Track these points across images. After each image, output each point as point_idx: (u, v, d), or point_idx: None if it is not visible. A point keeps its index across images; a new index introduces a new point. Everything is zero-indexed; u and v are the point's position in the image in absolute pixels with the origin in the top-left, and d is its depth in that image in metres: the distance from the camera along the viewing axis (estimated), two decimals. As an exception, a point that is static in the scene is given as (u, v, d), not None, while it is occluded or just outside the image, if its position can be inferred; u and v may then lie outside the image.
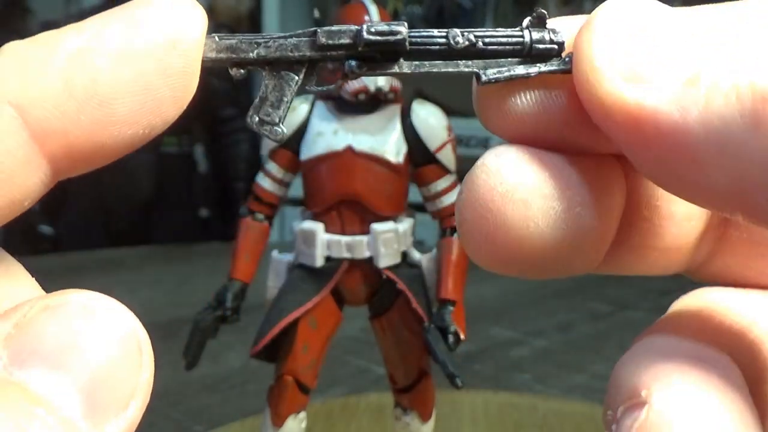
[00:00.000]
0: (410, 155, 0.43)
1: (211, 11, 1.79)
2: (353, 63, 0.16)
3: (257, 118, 0.16)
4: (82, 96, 0.14)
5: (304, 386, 0.44)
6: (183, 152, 1.54)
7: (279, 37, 0.16)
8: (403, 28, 0.15)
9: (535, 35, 0.15)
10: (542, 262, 0.16)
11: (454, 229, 0.44)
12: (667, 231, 0.17)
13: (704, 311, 0.17)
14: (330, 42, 0.16)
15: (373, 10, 0.43)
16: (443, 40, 0.15)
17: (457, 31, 0.16)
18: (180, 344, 0.44)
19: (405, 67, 0.16)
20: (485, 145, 1.50)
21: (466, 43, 0.15)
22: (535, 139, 0.16)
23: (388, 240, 0.43)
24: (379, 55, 0.16)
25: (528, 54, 0.15)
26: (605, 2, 0.15)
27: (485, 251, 0.16)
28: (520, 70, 0.15)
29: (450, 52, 0.16)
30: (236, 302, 0.44)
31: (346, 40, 0.16)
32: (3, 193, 0.13)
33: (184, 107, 0.15)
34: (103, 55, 0.14)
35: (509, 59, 0.16)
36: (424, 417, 0.47)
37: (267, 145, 0.45)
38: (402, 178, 0.44)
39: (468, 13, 1.56)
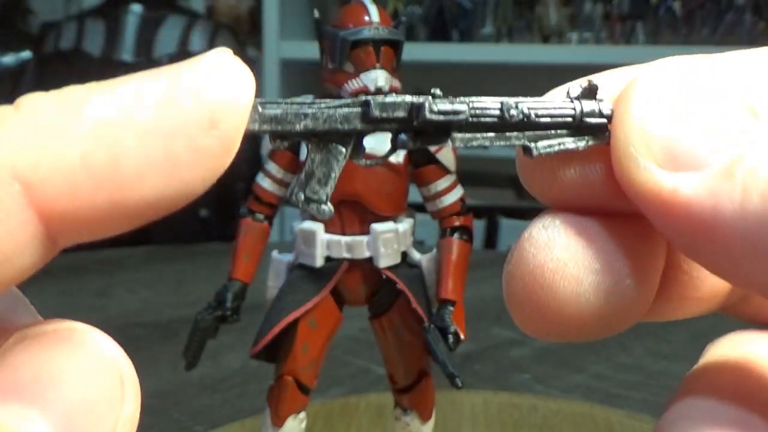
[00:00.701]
0: (410, 155, 0.43)
1: (211, 11, 1.79)
2: (405, 137, 0.15)
3: (303, 196, 0.15)
4: (101, 175, 0.12)
5: (304, 386, 0.44)
6: (183, 152, 1.54)
7: (327, 107, 0.15)
8: (465, 107, 0.15)
9: (586, 107, 0.15)
10: (591, 329, 0.16)
11: (454, 230, 0.44)
12: (705, 281, 0.17)
13: (744, 365, 0.16)
14: (384, 116, 0.15)
15: (373, 10, 0.43)
16: (497, 112, 0.15)
17: (512, 102, 0.15)
18: (180, 344, 0.44)
19: (458, 141, 0.15)
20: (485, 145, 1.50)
21: (520, 116, 0.15)
22: (580, 205, 0.16)
23: (388, 240, 0.43)
24: (432, 128, 0.15)
25: (578, 126, 0.15)
26: (646, 69, 0.15)
27: (535, 323, 0.16)
28: (570, 143, 0.15)
29: (503, 125, 0.15)
30: (236, 302, 0.44)
31: (401, 114, 0.15)
32: (2, 272, 0.12)
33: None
34: (132, 132, 0.12)
35: (558, 131, 0.15)
36: (424, 417, 0.47)
37: (267, 145, 0.45)
38: (402, 178, 0.44)
39: (468, 13, 1.56)
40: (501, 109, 0.15)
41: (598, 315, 0.15)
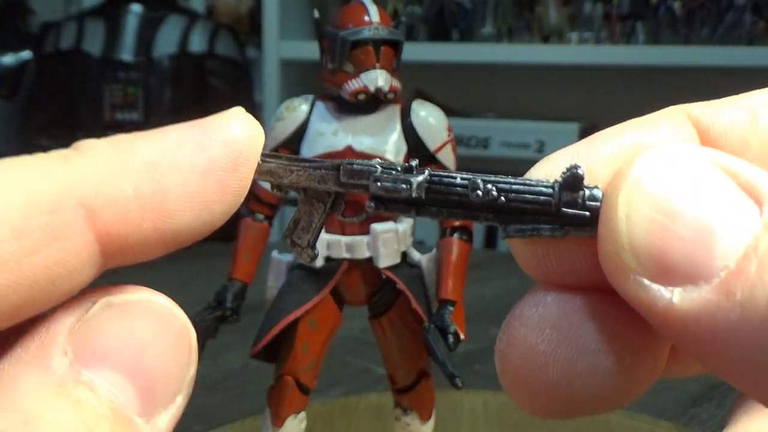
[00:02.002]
0: (410, 155, 0.43)
1: (211, 11, 1.79)
2: (371, 204, 0.15)
3: (290, 240, 0.17)
4: (150, 206, 0.14)
5: (304, 386, 0.44)
6: (183, 152, 1.54)
7: (309, 166, 0.16)
8: (414, 180, 0.15)
9: (566, 196, 0.14)
10: (592, 408, 0.15)
11: (454, 229, 0.44)
12: None
13: None
14: (350, 181, 0.16)
15: (373, 10, 0.43)
16: (463, 190, 0.14)
17: (480, 181, 0.14)
18: (180, 344, 0.44)
19: (423, 213, 0.15)
20: (485, 145, 1.50)
21: (487, 197, 0.14)
22: (573, 280, 0.15)
23: (388, 240, 0.43)
24: (394, 199, 0.15)
25: (556, 216, 0.14)
26: (637, 159, 0.14)
27: (529, 404, 0.15)
28: (546, 231, 0.14)
29: (469, 203, 0.14)
30: (236, 302, 0.44)
31: (364, 182, 0.16)
32: (60, 286, 0.14)
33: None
34: (174, 170, 0.14)
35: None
36: (424, 417, 0.47)
37: (267, 145, 0.45)
38: (402, 178, 0.43)
39: (468, 13, 1.56)
40: (466, 188, 0.14)
41: (597, 395, 0.14)
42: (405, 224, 0.44)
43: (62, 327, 0.14)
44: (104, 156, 0.14)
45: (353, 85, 0.42)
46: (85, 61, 1.49)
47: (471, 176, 0.15)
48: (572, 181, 0.14)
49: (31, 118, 1.55)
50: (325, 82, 0.44)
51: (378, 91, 0.42)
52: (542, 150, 1.44)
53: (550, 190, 0.14)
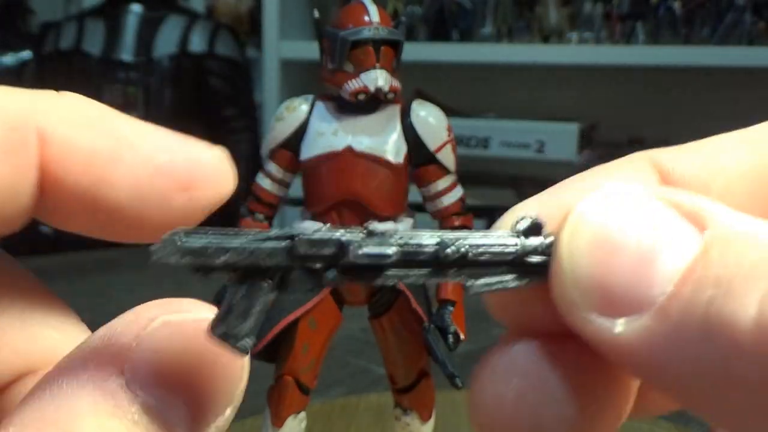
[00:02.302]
0: (410, 155, 0.43)
1: (211, 11, 1.79)
2: (333, 274, 0.14)
3: (220, 330, 0.14)
4: (96, 164, 0.14)
5: (304, 386, 0.44)
6: (183, 152, 1.54)
7: (254, 240, 0.14)
8: (391, 250, 0.14)
9: (529, 244, 0.14)
10: None
11: (454, 230, 0.44)
12: None
13: None
14: (311, 253, 0.14)
15: (373, 10, 0.43)
16: (432, 250, 0.14)
17: (449, 240, 0.14)
18: (180, 344, 0.44)
19: (390, 279, 0.15)
20: (485, 145, 1.50)
21: (457, 255, 0.14)
22: (539, 327, 0.15)
23: (388, 240, 0.43)
24: (361, 268, 0.14)
25: (520, 264, 0.14)
26: (580, 203, 0.14)
27: None
28: (511, 281, 0.15)
29: (438, 263, 0.14)
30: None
31: (328, 252, 0.14)
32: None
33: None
34: (134, 150, 0.15)
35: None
36: (424, 417, 0.47)
37: (267, 145, 0.45)
38: (402, 178, 0.44)
39: (468, 13, 1.56)
40: (437, 248, 0.14)
41: None
42: (405, 225, 0.44)
43: (120, 345, 0.14)
44: (82, 107, 0.15)
45: (353, 85, 0.42)
46: (85, 61, 1.49)
47: (439, 234, 0.15)
48: (533, 230, 0.14)
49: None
50: (325, 82, 0.44)
51: (378, 91, 0.42)
52: (542, 150, 1.44)
53: (514, 242, 0.14)
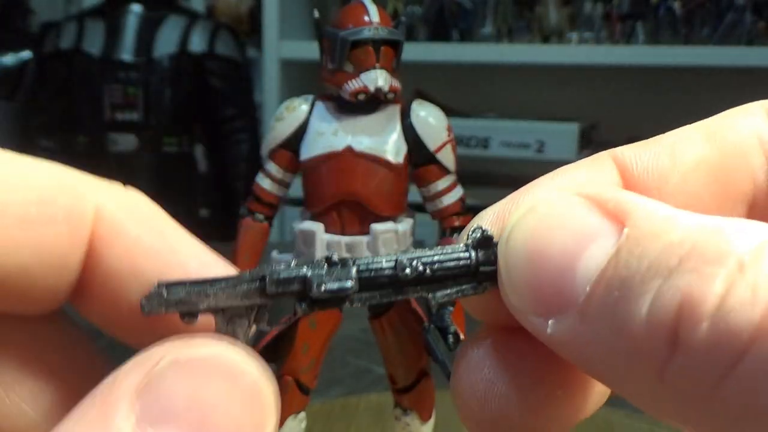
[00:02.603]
0: (410, 155, 0.43)
1: (211, 11, 1.79)
2: (302, 306, 0.16)
3: None
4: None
5: (303, 386, 0.44)
6: (183, 152, 1.54)
7: (227, 286, 0.15)
8: (350, 283, 0.15)
9: (482, 255, 0.15)
10: None
11: (454, 230, 0.44)
12: None
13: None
14: (279, 291, 0.16)
15: (373, 10, 0.43)
16: (391, 272, 0.15)
17: (406, 260, 0.15)
18: (180, 344, 0.44)
19: (356, 302, 0.16)
20: (485, 145, 1.50)
21: (415, 273, 0.15)
22: (508, 322, 0.16)
23: (388, 240, 0.43)
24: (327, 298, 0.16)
25: (475, 274, 0.16)
26: (514, 213, 0.15)
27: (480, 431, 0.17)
28: (469, 290, 0.16)
29: (399, 282, 0.16)
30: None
31: (295, 288, 0.16)
32: (46, 271, 0.15)
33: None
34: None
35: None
36: (424, 417, 0.47)
37: (267, 145, 0.45)
38: (402, 178, 0.44)
39: (468, 13, 1.56)
40: (395, 269, 0.15)
41: (536, 426, 0.16)
42: (405, 225, 0.44)
43: (129, 384, 0.13)
44: (139, 202, 0.16)
45: (353, 85, 0.42)
46: (85, 61, 1.49)
47: (396, 257, 0.16)
48: (483, 241, 0.15)
49: (31, 118, 1.55)
50: (325, 82, 0.44)
51: (378, 91, 0.42)
52: (542, 150, 1.44)
53: (467, 254, 0.15)
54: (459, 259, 0.15)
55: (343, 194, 0.43)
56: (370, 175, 0.42)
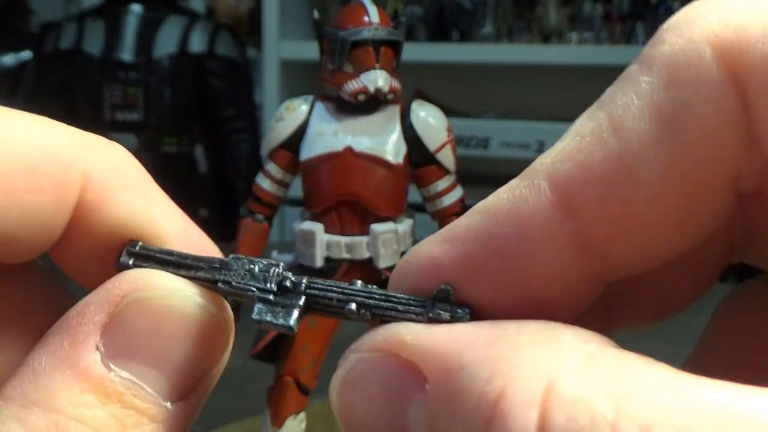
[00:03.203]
0: (410, 156, 0.43)
1: (211, 11, 1.79)
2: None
3: None
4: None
5: (303, 387, 0.44)
6: (183, 152, 1.54)
7: (188, 268, 0.16)
8: (291, 321, 0.16)
9: (436, 312, 0.15)
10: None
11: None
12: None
13: None
14: (229, 293, 0.16)
15: (373, 10, 0.43)
16: (339, 304, 0.16)
17: (353, 304, 0.15)
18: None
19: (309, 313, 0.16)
20: (485, 145, 1.50)
21: (360, 317, 0.16)
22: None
23: (388, 240, 0.43)
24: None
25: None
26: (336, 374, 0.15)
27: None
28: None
29: (344, 315, 0.16)
30: (236, 302, 0.44)
31: (242, 300, 0.16)
32: (37, 231, 0.15)
33: None
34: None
35: None
36: (424, 417, 0.47)
37: (267, 146, 0.45)
38: (401, 178, 0.44)
39: (468, 13, 1.56)
40: (342, 307, 0.16)
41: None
42: (405, 225, 0.44)
43: (93, 323, 0.14)
44: (127, 163, 0.16)
45: (353, 85, 0.42)
46: (85, 61, 1.49)
47: (345, 296, 0.16)
48: (444, 295, 0.15)
49: (31, 118, 1.55)
50: (325, 82, 0.44)
51: (378, 91, 0.42)
52: (542, 150, 1.44)
53: (420, 309, 0.15)
54: (412, 312, 0.15)
55: (343, 194, 0.43)
56: (370, 175, 0.42)
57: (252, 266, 0.16)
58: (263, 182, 0.45)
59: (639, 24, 1.50)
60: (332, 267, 0.43)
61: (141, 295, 0.15)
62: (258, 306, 0.16)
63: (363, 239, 0.43)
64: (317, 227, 0.43)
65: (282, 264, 0.16)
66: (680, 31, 0.13)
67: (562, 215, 0.14)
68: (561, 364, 0.12)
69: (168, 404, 0.14)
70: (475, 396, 0.12)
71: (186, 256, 0.16)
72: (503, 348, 0.12)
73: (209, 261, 0.16)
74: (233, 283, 0.16)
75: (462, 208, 0.45)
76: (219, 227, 1.64)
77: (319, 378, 0.45)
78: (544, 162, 0.15)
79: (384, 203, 0.43)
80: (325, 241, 0.43)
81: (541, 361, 0.12)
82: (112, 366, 0.14)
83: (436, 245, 0.15)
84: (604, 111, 0.14)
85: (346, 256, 0.43)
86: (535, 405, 0.11)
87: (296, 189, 0.45)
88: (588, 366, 0.11)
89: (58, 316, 0.15)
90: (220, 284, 0.16)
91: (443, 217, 0.45)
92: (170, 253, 0.16)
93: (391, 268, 0.44)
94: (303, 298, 0.15)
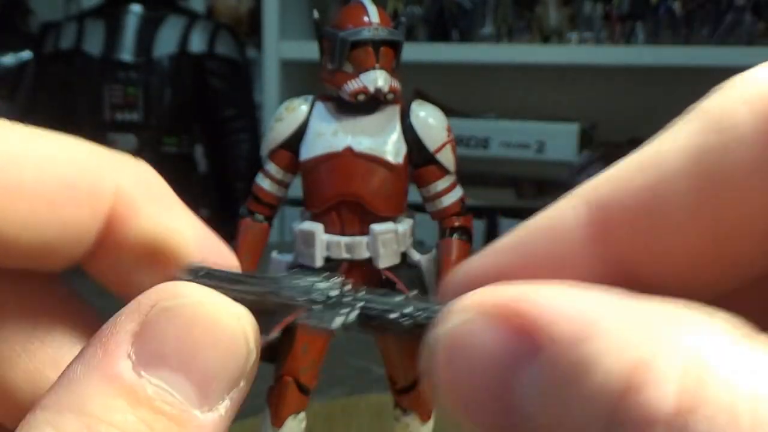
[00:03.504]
0: (410, 156, 0.43)
1: (211, 11, 1.79)
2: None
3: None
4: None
5: (303, 387, 0.44)
6: (183, 152, 1.54)
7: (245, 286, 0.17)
8: (335, 324, 0.17)
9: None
10: None
11: (454, 230, 0.44)
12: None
13: None
14: (280, 303, 0.17)
15: (373, 10, 0.43)
16: (387, 316, 0.16)
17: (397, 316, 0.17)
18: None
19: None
20: (485, 145, 1.50)
21: (410, 328, 0.17)
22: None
23: (388, 241, 0.43)
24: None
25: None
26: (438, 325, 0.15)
27: None
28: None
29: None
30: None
31: (291, 309, 0.17)
32: (68, 245, 0.17)
33: None
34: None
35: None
36: (424, 418, 0.47)
37: (267, 146, 0.45)
38: (401, 178, 0.44)
39: (468, 13, 1.56)
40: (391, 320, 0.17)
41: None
42: (405, 225, 0.44)
43: (125, 332, 0.15)
44: (154, 181, 0.18)
45: (353, 85, 0.42)
46: (85, 61, 1.49)
47: (389, 308, 0.17)
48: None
49: (31, 118, 1.55)
50: (325, 82, 0.44)
51: (378, 91, 0.42)
52: (542, 150, 1.44)
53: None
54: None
55: (343, 195, 0.43)
56: (370, 175, 0.42)
57: (309, 279, 0.17)
58: (263, 182, 0.45)
59: (639, 24, 1.50)
60: (332, 267, 0.43)
61: (169, 303, 0.15)
62: (307, 313, 0.17)
63: (363, 239, 0.43)
64: (317, 227, 0.43)
65: (340, 279, 0.17)
66: (730, 85, 0.14)
67: (594, 234, 0.14)
68: (711, 344, 0.11)
69: (197, 412, 0.15)
70: (610, 365, 0.11)
71: (240, 274, 0.17)
72: (646, 319, 0.12)
73: (265, 277, 0.17)
74: (292, 296, 0.17)
75: (462, 208, 0.45)
76: (219, 227, 1.63)
77: (319, 378, 0.45)
78: (586, 184, 0.15)
79: (384, 203, 0.43)
80: (325, 241, 0.43)
81: (689, 338, 0.11)
82: (143, 373, 0.15)
83: (481, 256, 0.16)
84: (650, 146, 0.15)
85: (346, 256, 0.43)
86: (679, 383, 0.10)
87: (296, 189, 0.45)
88: (742, 349, 0.11)
89: (78, 324, 0.17)
90: (270, 296, 0.17)
91: (443, 218, 0.45)
92: (224, 271, 0.17)
93: (391, 268, 0.44)
94: (356, 311, 0.17)
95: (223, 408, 0.16)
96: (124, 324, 0.15)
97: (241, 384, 0.16)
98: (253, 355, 0.16)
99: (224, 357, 0.16)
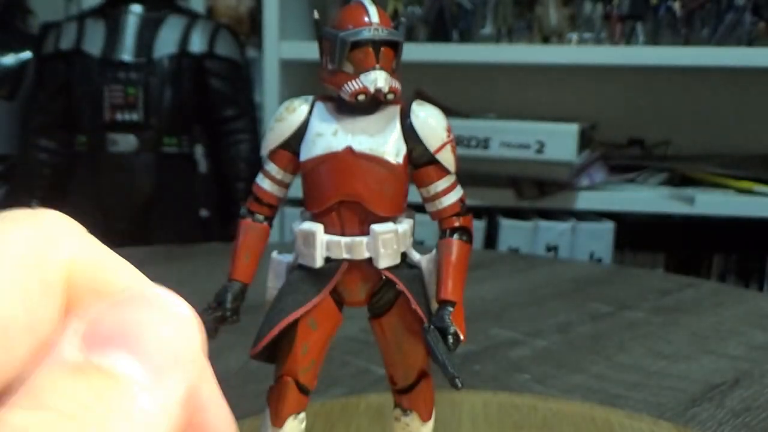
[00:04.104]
0: (410, 156, 0.43)
1: (211, 11, 1.79)
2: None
3: None
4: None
5: (303, 387, 0.44)
6: (183, 152, 1.54)
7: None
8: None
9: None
10: None
11: (453, 230, 0.44)
12: None
13: None
14: None
15: (373, 11, 0.43)
16: None
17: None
18: (180, 345, 0.44)
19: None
20: (485, 145, 1.50)
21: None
22: None
23: (388, 241, 0.43)
24: None
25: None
26: None
27: None
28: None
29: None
30: (236, 303, 0.44)
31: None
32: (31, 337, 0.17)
33: None
34: None
35: None
36: (424, 418, 0.47)
37: (267, 146, 0.45)
38: (401, 178, 0.43)
39: (468, 14, 1.56)
40: None
41: None
42: (405, 225, 0.44)
43: (71, 330, 0.16)
44: (94, 251, 0.19)
45: (353, 86, 0.42)
46: (85, 61, 1.49)
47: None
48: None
49: (31, 118, 1.55)
50: (325, 82, 0.44)
51: (378, 92, 0.42)
52: (542, 150, 1.44)
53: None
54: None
55: (343, 195, 0.43)
56: (370, 175, 0.42)
57: None
58: (263, 182, 0.45)
59: (639, 24, 1.49)
60: (332, 267, 0.43)
61: (119, 298, 0.17)
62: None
63: (363, 239, 0.43)
64: (317, 227, 0.43)
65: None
66: None
67: None
68: None
69: (147, 384, 0.16)
70: None
71: None
72: None
73: None
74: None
75: (461, 208, 0.45)
76: (219, 227, 1.64)
77: (319, 378, 0.45)
78: None
79: (384, 203, 0.43)
80: (325, 242, 0.43)
81: None
82: (89, 355, 0.15)
83: None
84: None
85: (346, 256, 0.43)
86: None
87: (296, 189, 0.45)
88: None
89: None
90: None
91: (443, 218, 0.45)
92: None
93: (391, 268, 0.44)
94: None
95: (173, 388, 0.16)
96: (70, 327, 0.16)
97: (193, 366, 0.17)
98: (195, 335, 0.17)
99: (172, 335, 0.16)
